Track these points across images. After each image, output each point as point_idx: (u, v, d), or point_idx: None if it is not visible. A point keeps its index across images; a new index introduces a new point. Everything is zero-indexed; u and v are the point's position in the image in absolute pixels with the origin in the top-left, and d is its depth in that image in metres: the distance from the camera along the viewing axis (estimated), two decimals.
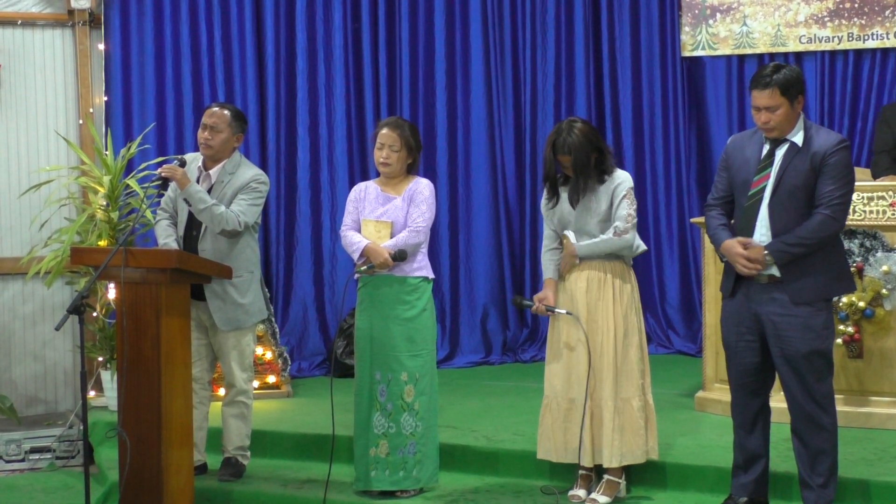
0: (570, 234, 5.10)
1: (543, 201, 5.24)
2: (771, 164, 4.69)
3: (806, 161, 4.61)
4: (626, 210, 5.04)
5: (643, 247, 5.17)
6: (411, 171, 5.41)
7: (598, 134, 5.14)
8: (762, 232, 4.66)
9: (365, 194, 5.40)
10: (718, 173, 4.92)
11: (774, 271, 4.64)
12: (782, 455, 5.18)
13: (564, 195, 5.13)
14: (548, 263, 5.23)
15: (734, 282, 4.78)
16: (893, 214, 5.74)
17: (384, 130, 5.33)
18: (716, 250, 4.87)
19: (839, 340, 5.72)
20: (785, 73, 4.63)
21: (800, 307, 4.62)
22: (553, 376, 5.19)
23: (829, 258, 4.67)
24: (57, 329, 4.76)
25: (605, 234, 5.05)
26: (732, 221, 4.82)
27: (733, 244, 4.69)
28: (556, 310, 5.14)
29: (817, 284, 4.64)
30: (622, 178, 5.10)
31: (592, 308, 5.08)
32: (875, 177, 6.33)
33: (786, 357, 4.67)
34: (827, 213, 4.57)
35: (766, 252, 4.61)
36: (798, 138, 4.66)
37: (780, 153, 4.68)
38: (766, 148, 4.72)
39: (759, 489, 4.89)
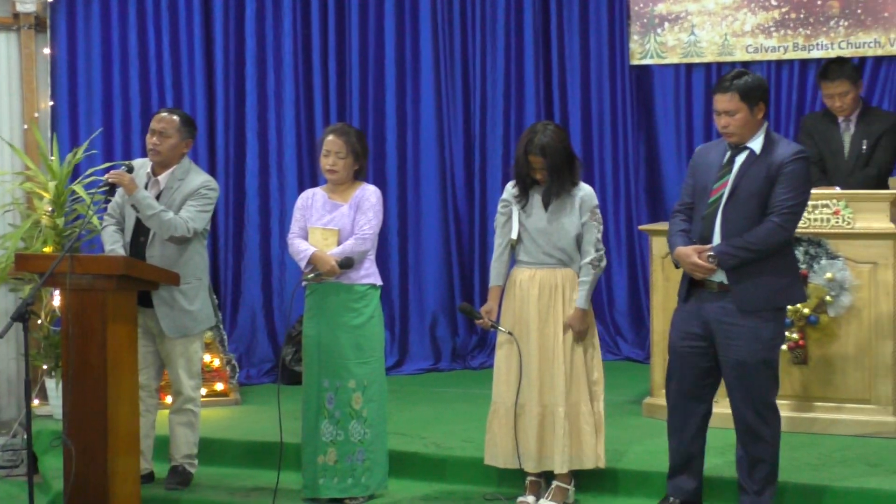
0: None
1: (501, 205, 5.20)
2: (730, 171, 4.72)
3: (763, 169, 4.64)
4: (596, 235, 5.09)
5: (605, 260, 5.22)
6: (359, 177, 5.40)
7: (569, 141, 5.16)
8: (720, 239, 4.69)
9: (312, 201, 5.39)
10: (685, 181, 4.95)
11: (724, 278, 4.68)
12: (727, 459, 5.22)
13: (535, 198, 5.13)
14: (498, 270, 5.25)
15: (688, 287, 4.82)
16: (837, 222, 5.82)
17: (330, 137, 5.32)
18: (670, 254, 4.90)
19: (784, 347, 5.77)
20: (746, 79, 4.67)
21: (748, 317, 4.65)
22: (501, 382, 5.20)
23: (777, 267, 4.68)
24: (0, 337, 4.71)
25: (585, 276, 5.08)
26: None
27: (688, 251, 4.72)
28: (500, 328, 5.17)
29: (764, 293, 4.66)
30: (588, 193, 5.12)
31: (544, 314, 5.10)
32: None
33: (732, 365, 4.70)
34: (776, 221, 4.60)
35: (710, 254, 4.65)
36: (756, 145, 4.69)
37: (740, 160, 4.72)
38: (728, 155, 4.76)
39: (695, 491, 4.94)
